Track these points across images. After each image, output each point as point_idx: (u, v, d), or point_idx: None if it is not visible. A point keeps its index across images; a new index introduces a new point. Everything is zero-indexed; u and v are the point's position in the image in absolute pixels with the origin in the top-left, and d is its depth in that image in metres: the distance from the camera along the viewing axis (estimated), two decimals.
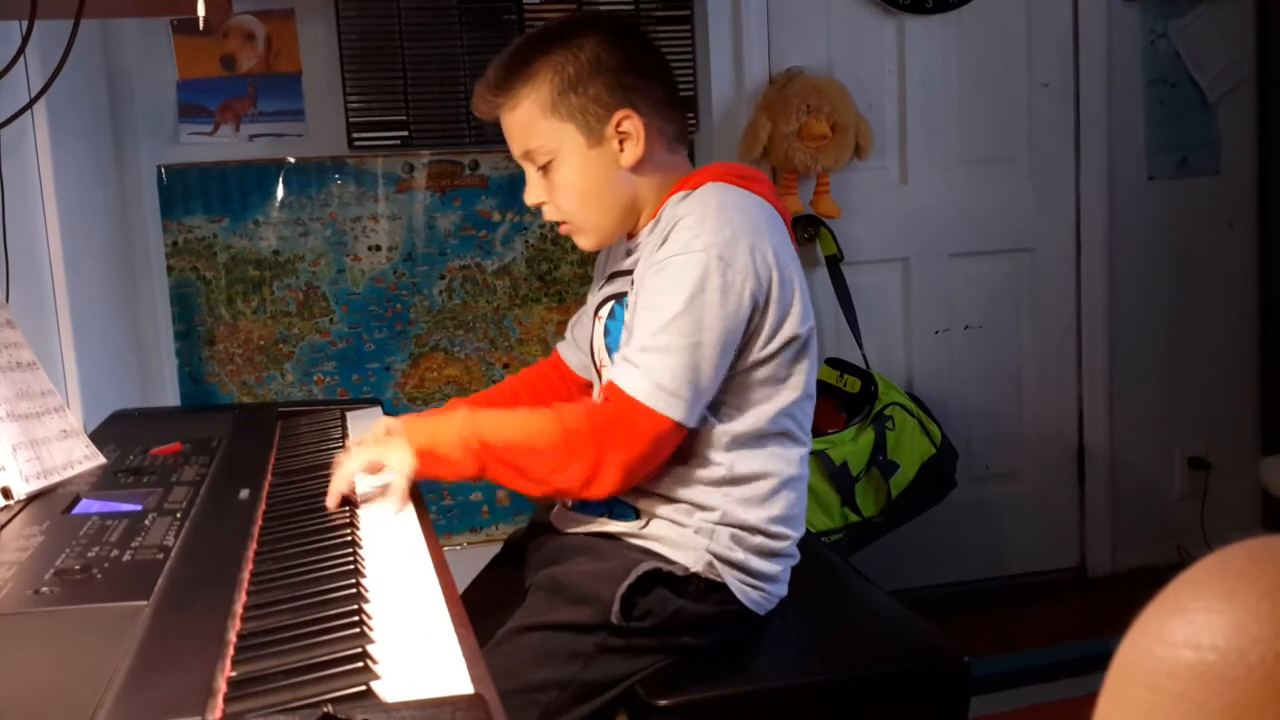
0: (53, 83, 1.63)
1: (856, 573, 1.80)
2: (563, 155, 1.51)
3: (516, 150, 1.55)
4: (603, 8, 2.75)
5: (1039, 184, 3.03)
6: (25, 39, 1.60)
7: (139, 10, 1.87)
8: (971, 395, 3.03)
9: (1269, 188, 3.10)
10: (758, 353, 1.46)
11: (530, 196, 1.56)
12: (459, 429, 1.40)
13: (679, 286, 1.39)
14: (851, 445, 2.55)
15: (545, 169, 1.53)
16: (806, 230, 2.83)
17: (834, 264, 2.81)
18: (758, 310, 1.43)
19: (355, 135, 2.69)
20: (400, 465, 1.37)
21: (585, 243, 1.59)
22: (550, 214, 1.57)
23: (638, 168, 1.52)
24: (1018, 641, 2.78)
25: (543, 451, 1.39)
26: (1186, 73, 3.03)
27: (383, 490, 1.38)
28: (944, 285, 3.00)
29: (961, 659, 1.53)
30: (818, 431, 2.61)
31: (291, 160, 2.72)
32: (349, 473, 1.36)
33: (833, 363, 2.83)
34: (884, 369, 2.82)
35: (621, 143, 1.50)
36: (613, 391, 1.41)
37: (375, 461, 1.39)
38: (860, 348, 2.77)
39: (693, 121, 2.83)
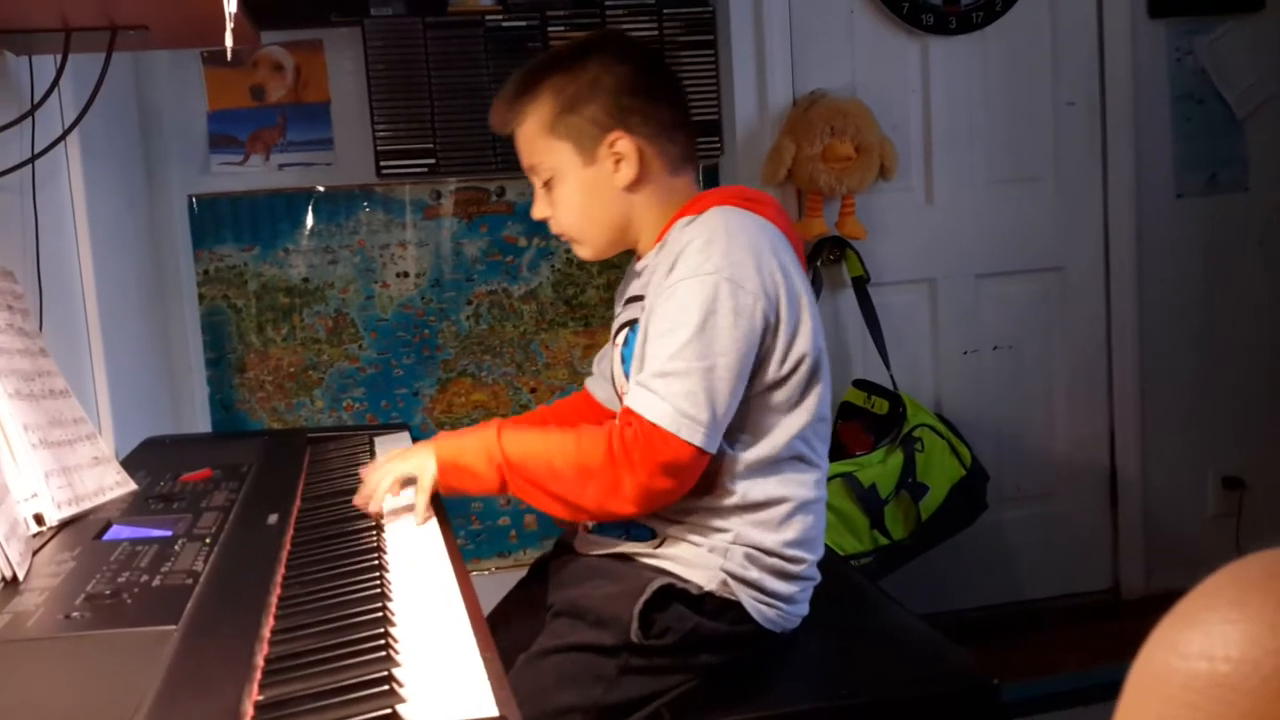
0: (85, 114, 1.66)
1: (885, 595, 1.79)
2: (560, 173, 1.55)
3: (523, 164, 1.60)
4: (627, 31, 2.76)
5: (1066, 203, 3.01)
6: (59, 72, 1.63)
7: (169, 43, 1.90)
8: (1001, 416, 3.01)
9: None
10: (773, 374, 1.46)
11: (535, 211, 1.61)
12: (485, 443, 1.44)
13: (690, 310, 1.40)
14: (880, 467, 2.53)
15: (548, 184, 1.57)
16: (832, 252, 2.83)
17: (860, 285, 2.81)
18: (769, 330, 1.44)
19: (383, 163, 2.71)
20: (424, 473, 1.41)
21: (584, 254, 1.64)
22: (554, 227, 1.62)
23: (634, 188, 1.55)
24: (1050, 665, 2.74)
25: (562, 470, 1.41)
26: (1214, 89, 3.01)
27: (410, 507, 1.41)
28: (971, 305, 2.99)
29: (992, 682, 1.51)
30: (846, 454, 2.60)
31: (320, 189, 2.75)
32: (383, 494, 1.40)
33: (860, 384, 2.82)
34: (912, 390, 2.81)
35: (617, 163, 1.53)
36: (633, 418, 1.41)
37: (404, 476, 1.42)
38: (888, 369, 2.76)
39: (717, 144, 2.83)
